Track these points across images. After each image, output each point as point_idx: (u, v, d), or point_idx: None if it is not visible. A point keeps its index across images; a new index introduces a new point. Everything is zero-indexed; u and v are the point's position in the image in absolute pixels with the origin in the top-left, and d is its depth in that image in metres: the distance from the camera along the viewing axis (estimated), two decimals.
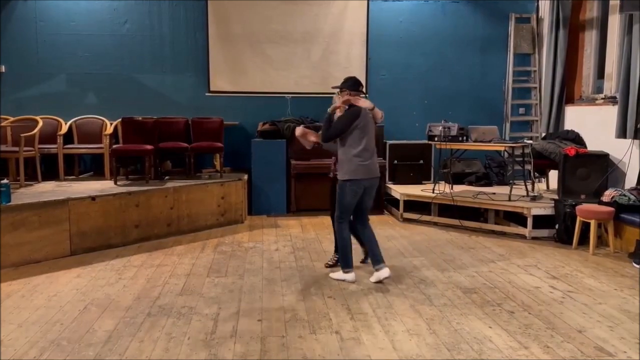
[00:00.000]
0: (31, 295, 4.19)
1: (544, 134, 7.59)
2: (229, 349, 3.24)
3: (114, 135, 7.10)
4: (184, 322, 3.65)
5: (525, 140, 6.95)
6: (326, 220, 7.00)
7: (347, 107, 4.46)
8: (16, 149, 6.27)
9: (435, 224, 6.72)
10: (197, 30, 7.63)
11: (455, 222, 6.53)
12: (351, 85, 4.48)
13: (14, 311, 3.85)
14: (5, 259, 4.87)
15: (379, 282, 4.46)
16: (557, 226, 5.86)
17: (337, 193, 4.51)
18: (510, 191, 6.39)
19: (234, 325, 3.60)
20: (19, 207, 5.00)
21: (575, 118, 7.29)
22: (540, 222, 6.02)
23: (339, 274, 4.59)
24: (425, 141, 7.16)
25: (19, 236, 4.95)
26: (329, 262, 4.95)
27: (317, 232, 6.35)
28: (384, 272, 4.47)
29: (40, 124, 6.71)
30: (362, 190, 4.44)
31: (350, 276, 4.52)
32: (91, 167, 7.59)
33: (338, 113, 4.51)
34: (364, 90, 4.61)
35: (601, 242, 5.65)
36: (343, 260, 4.56)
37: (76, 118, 7.32)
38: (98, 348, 3.26)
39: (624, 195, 5.47)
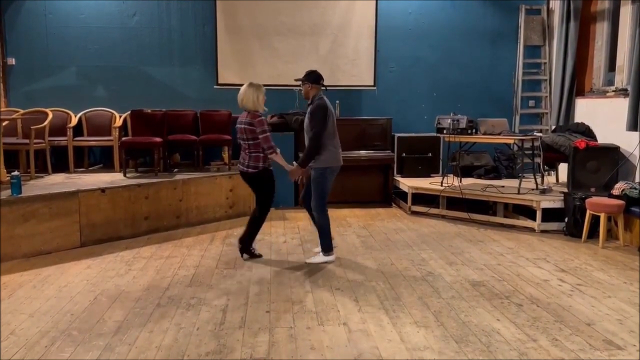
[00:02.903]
0: (42, 285, 4.24)
1: (554, 127, 7.54)
2: (238, 340, 3.26)
3: (123, 128, 7.14)
4: (193, 313, 3.67)
5: (535, 133, 6.90)
6: (334, 213, 6.99)
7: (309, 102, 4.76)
8: (26, 141, 6.32)
9: (444, 217, 6.71)
10: (206, 23, 7.63)
11: (464, 215, 6.52)
12: (314, 79, 4.74)
13: (26, 301, 3.90)
14: (16, 250, 4.93)
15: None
16: (566, 219, 5.83)
17: (315, 182, 4.74)
18: (520, 184, 6.36)
19: (243, 316, 3.63)
20: (30, 199, 5.05)
21: (585, 111, 7.23)
22: (549, 215, 5.99)
23: (319, 258, 4.84)
24: (434, 134, 7.15)
25: (30, 228, 5.00)
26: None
27: None
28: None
29: (50, 116, 6.75)
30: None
31: (333, 257, 4.89)
32: (101, 159, 7.64)
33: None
34: (323, 83, 4.81)
35: (611, 235, 5.62)
36: (327, 243, 4.85)
37: (86, 110, 7.36)
38: (108, 338, 3.29)
39: (634, 189, 5.43)
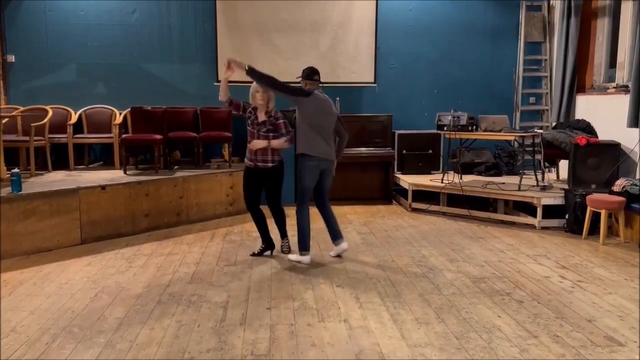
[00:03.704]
0: (43, 283, 4.24)
1: (554, 124, 7.52)
2: (239, 337, 3.26)
3: (123, 125, 7.13)
4: (193, 310, 3.67)
5: (535, 130, 6.89)
6: (334, 210, 6.93)
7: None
8: (26, 138, 6.32)
9: (444, 214, 6.70)
10: (206, 19, 7.61)
11: (464, 212, 6.52)
12: (306, 75, 4.79)
13: (26, 299, 3.90)
14: (17, 247, 4.93)
15: (338, 256, 4.91)
16: (567, 216, 5.83)
17: (297, 173, 4.82)
18: (520, 181, 6.36)
19: (243, 313, 3.63)
20: (30, 196, 5.04)
21: (586, 107, 7.21)
22: (550, 212, 5.99)
23: (295, 255, 4.84)
24: (435, 131, 7.12)
25: (30, 225, 5.00)
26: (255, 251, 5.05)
27: None
28: (344, 245, 4.93)
29: (50, 113, 6.74)
30: (319, 170, 4.73)
31: (306, 258, 4.77)
32: (101, 156, 7.63)
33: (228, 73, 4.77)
34: (319, 78, 4.81)
35: (611, 232, 5.62)
36: (301, 242, 4.79)
37: (86, 108, 7.35)
38: (109, 335, 3.29)
39: (635, 185, 5.43)
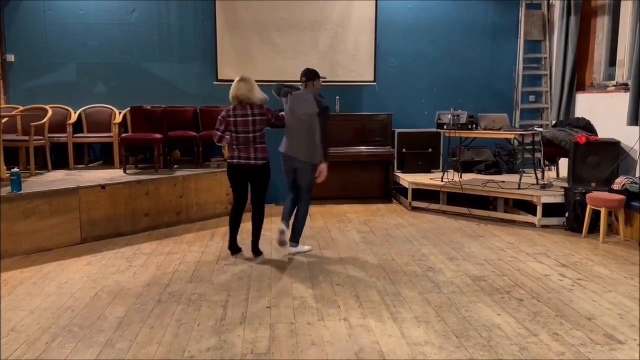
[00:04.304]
0: (43, 282, 4.24)
1: (554, 122, 7.52)
2: (238, 335, 3.26)
3: (123, 124, 7.13)
4: (193, 309, 3.68)
5: (535, 128, 6.89)
6: (334, 208, 7.04)
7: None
8: (26, 137, 6.32)
9: (444, 212, 6.70)
10: (205, 18, 7.60)
11: (464, 210, 6.52)
12: (300, 77, 4.99)
13: (26, 298, 3.90)
14: (16, 247, 4.93)
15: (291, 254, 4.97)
16: (567, 214, 5.83)
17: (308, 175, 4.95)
18: (520, 179, 6.36)
19: (243, 311, 3.63)
20: (30, 196, 5.04)
21: (586, 105, 7.21)
22: (550, 210, 5.99)
23: (294, 249, 5.01)
24: (434, 129, 7.13)
25: (30, 224, 5.00)
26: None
27: (325, 221, 6.36)
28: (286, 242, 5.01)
29: (50, 113, 6.74)
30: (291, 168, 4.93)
31: (302, 247, 5.05)
32: (100, 156, 7.63)
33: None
34: (307, 79, 4.92)
35: (611, 230, 5.62)
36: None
37: (85, 107, 7.35)
38: (109, 334, 3.29)
39: (635, 183, 5.43)
